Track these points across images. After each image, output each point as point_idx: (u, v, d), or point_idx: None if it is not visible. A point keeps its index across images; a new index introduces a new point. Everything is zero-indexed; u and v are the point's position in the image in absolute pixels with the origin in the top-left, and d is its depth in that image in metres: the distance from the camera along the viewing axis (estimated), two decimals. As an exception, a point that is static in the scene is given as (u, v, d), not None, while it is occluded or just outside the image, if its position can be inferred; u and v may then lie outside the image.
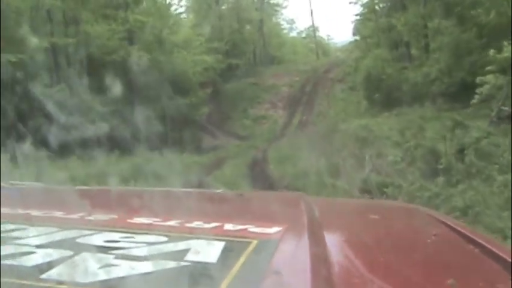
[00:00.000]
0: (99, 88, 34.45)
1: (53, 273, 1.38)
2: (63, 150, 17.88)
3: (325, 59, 73.44)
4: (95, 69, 37.66)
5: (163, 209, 2.09)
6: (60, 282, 1.33)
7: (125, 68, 38.08)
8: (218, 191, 3.90)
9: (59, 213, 2.06)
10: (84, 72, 36.67)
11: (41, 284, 1.32)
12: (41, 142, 10.82)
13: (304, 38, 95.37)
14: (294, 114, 52.58)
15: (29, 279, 1.34)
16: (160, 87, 42.29)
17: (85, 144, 13.48)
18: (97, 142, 14.83)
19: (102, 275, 1.37)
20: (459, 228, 2.04)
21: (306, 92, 56.62)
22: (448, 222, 2.18)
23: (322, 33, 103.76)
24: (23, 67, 26.25)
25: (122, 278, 1.36)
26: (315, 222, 2.01)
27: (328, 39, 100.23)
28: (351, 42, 61.57)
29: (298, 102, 54.87)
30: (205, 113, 50.25)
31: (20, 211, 2.10)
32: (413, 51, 43.33)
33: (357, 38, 56.39)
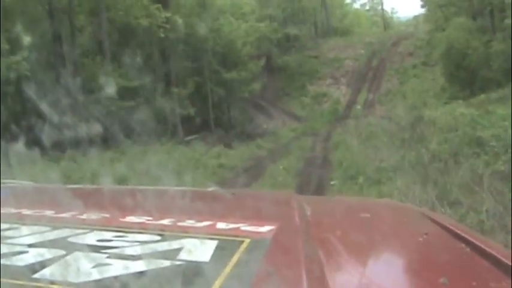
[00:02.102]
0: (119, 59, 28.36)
1: (45, 273, 1.33)
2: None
3: (392, 32, 66.52)
4: (120, 36, 30.70)
5: (156, 208, 1.97)
6: (53, 282, 1.29)
7: (155, 36, 30.85)
8: (210, 189, 3.51)
9: (50, 212, 1.96)
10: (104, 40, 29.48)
11: (34, 284, 1.28)
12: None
13: (367, 10, 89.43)
14: (358, 91, 47.28)
15: (21, 279, 1.30)
16: (201, 59, 34.98)
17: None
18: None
19: (95, 275, 1.32)
20: (451, 227, 1.96)
21: (372, 67, 51.12)
22: (440, 221, 2.10)
23: (386, 6, 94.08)
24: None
25: (115, 277, 1.31)
26: (307, 221, 1.99)
27: (392, 13, 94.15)
28: (415, 16, 57.68)
29: (364, 78, 49.68)
30: (256, 90, 43.42)
31: (12, 210, 2.02)
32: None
33: (426, 10, 50.83)
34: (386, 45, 54.74)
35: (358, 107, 43.71)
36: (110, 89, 24.65)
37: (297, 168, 18.83)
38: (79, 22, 29.70)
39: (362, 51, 54.13)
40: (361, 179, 13.65)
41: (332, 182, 15.13)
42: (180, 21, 31.30)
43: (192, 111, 31.70)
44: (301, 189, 14.77)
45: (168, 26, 30.94)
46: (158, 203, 2.20)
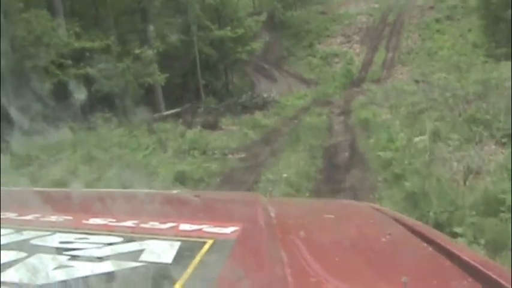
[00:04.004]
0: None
1: (6, 275, 1.28)
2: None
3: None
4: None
5: (119, 210, 1.93)
6: (15, 284, 1.26)
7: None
8: (175, 191, 3.57)
9: (13, 215, 1.87)
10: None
11: None
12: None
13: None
14: (375, 50, 41.53)
15: None
16: (186, 13, 27.65)
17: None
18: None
19: (57, 276, 1.28)
20: (414, 227, 1.96)
21: (388, 23, 45.12)
22: (403, 221, 2.08)
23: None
24: None
25: (77, 279, 1.28)
26: (271, 222, 1.94)
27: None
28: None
29: (380, 35, 43.75)
30: (256, 50, 36.44)
31: None
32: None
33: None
34: None
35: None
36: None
37: (309, 175, 10.71)
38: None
39: (376, 6, 48.01)
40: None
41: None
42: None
43: (160, 78, 23.94)
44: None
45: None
46: (122, 205, 2.08)
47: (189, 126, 18.15)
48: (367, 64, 39.09)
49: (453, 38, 38.97)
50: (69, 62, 20.31)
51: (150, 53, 23.41)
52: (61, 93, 17.12)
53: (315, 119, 19.72)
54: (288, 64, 41.46)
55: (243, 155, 14.01)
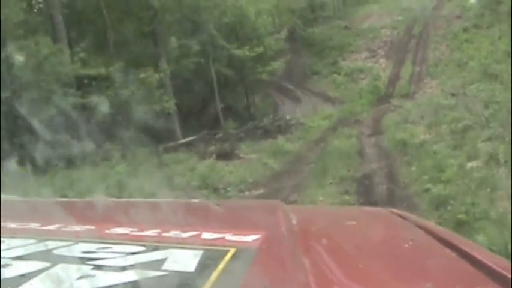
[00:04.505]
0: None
1: (29, 286, 1.29)
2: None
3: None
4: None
5: (140, 219, 1.94)
6: None
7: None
8: (196, 200, 3.74)
9: (36, 225, 1.90)
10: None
11: None
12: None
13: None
14: (401, 64, 39.40)
15: None
16: (201, 33, 25.99)
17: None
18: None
19: (81, 286, 1.29)
20: (436, 232, 1.87)
21: (414, 35, 42.91)
22: (425, 226, 1.98)
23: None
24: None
25: None
26: (293, 230, 1.91)
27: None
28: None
29: (405, 48, 41.64)
30: (277, 70, 34.95)
31: None
32: None
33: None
34: (428, 9, 45.92)
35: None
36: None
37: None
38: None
39: (400, 18, 45.81)
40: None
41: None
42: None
43: (168, 104, 21.96)
44: None
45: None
46: (143, 214, 2.12)
47: (203, 156, 16.13)
48: (394, 79, 37.01)
49: (483, 46, 35.98)
50: (71, 90, 18.53)
51: (156, 77, 21.44)
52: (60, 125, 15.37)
53: (344, 142, 17.56)
54: (311, 83, 39.63)
55: (261, 191, 11.97)
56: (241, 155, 17.24)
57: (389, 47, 42.17)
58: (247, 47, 28.97)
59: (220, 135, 22.09)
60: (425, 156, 11.37)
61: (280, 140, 20.01)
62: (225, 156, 16.10)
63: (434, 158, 10.84)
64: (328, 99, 35.61)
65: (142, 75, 21.11)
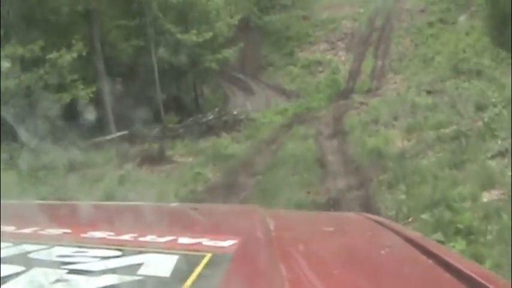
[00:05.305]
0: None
1: None
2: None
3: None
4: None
5: (117, 223, 1.88)
6: None
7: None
8: (173, 204, 3.54)
9: (11, 228, 1.81)
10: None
11: None
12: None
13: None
14: (362, 57, 36.99)
15: None
16: (143, 14, 22.58)
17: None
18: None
19: None
20: (413, 239, 1.85)
21: (376, 28, 40.47)
22: (402, 232, 2.01)
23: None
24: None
25: None
26: (270, 235, 1.89)
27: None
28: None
29: (367, 41, 39.19)
30: (228, 59, 31.31)
31: None
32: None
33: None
34: (390, 1, 43.12)
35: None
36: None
37: None
38: None
39: (361, 10, 43.02)
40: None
41: None
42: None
43: (82, 92, 18.17)
44: None
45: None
46: (120, 218, 2.08)
47: (124, 159, 12.55)
48: (354, 73, 34.54)
49: (450, 42, 33.46)
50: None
51: (67, 58, 17.53)
52: None
53: (299, 146, 14.32)
54: (266, 74, 37.24)
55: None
56: (174, 158, 13.78)
57: (349, 39, 39.59)
58: (194, 32, 25.42)
59: (157, 130, 18.60)
60: (413, 176, 8.11)
61: (225, 138, 16.66)
62: (152, 160, 12.65)
63: (426, 180, 7.58)
64: (283, 92, 33.11)
65: (50, 56, 17.35)
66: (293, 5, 43.89)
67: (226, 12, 32.22)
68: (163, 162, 12.99)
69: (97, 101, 20.61)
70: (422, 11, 40.50)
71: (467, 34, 33.67)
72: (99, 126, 19.47)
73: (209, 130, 18.67)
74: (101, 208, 2.59)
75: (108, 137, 17.93)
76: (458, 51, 31.32)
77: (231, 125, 19.45)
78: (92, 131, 17.36)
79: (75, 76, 17.99)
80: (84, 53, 18.56)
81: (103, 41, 23.12)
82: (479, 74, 18.99)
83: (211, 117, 20.34)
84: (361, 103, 22.35)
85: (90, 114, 17.38)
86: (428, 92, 17.98)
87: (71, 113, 17.82)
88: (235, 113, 21.10)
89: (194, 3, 27.26)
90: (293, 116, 24.16)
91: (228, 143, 16.24)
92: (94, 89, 18.56)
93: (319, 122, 20.08)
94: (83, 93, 18.05)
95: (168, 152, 14.86)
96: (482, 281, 1.31)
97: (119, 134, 18.04)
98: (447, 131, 10.72)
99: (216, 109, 22.15)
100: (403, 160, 9.75)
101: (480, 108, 11.55)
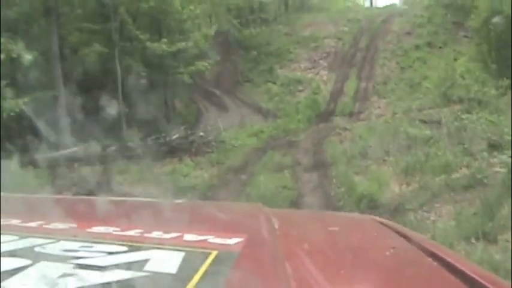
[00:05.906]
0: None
1: (10, 283, 1.27)
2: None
3: (381, 8, 53.53)
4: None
5: (123, 219, 1.93)
6: None
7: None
8: (179, 201, 3.23)
9: (17, 222, 1.86)
10: None
11: None
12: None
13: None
14: (345, 78, 34.74)
15: None
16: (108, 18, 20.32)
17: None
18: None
19: (61, 285, 1.27)
20: (418, 241, 1.88)
21: (360, 48, 38.66)
22: (407, 234, 2.00)
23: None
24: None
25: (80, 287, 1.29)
26: (275, 234, 1.92)
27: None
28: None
29: (351, 61, 37.18)
30: (203, 71, 28.98)
31: None
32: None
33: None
34: (376, 22, 42.34)
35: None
36: None
37: None
38: None
39: (346, 29, 41.52)
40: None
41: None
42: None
43: (14, 103, 15.62)
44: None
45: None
46: (126, 214, 2.14)
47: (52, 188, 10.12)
48: (336, 94, 32.17)
49: (439, 67, 30.79)
50: None
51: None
52: None
53: (273, 180, 11.91)
54: (243, 91, 34.63)
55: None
56: (122, 187, 11.35)
57: (332, 58, 37.47)
58: (165, 41, 23.10)
59: (113, 148, 16.13)
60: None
61: (187, 164, 14.24)
62: (89, 192, 10.13)
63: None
64: (259, 110, 30.63)
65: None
66: (275, 20, 42.59)
67: (204, 23, 30.18)
68: (103, 196, 10.67)
69: (51, 111, 18.26)
70: (409, 33, 39.15)
71: (455, 60, 32.26)
72: (48, 141, 17.05)
73: (172, 152, 16.23)
74: (107, 203, 2.53)
75: (59, 153, 15.35)
76: (447, 77, 29.61)
77: (197, 147, 17.08)
78: (38, 145, 14.96)
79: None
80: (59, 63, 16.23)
81: (62, 45, 20.84)
82: (481, 103, 16.86)
83: (175, 136, 18.03)
84: (344, 129, 20.11)
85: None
86: (423, 122, 15.79)
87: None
88: (201, 134, 18.67)
89: (168, 10, 25.07)
90: (268, 138, 21.95)
91: (190, 170, 13.91)
92: (26, 99, 15.88)
93: (297, 149, 17.78)
94: (12, 104, 15.25)
95: (118, 178, 12.51)
96: (486, 283, 1.30)
97: (68, 151, 15.47)
98: (456, 175, 8.51)
99: (182, 127, 19.71)
100: (402, 213, 7.48)
101: (494, 146, 9.39)
